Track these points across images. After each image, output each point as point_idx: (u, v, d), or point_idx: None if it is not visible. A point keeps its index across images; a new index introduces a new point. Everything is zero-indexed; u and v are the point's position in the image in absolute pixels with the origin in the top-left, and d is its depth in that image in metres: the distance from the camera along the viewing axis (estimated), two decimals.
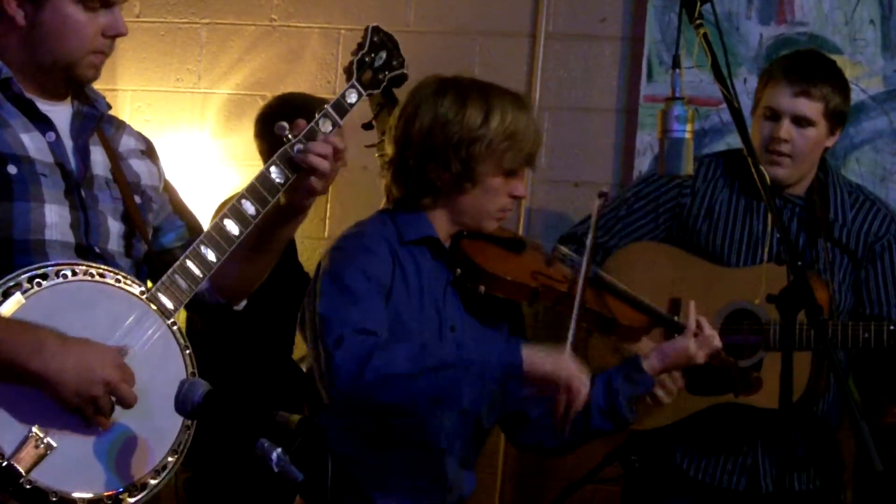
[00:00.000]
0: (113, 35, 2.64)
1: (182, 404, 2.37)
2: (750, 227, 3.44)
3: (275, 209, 2.70)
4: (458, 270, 2.84)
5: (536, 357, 2.68)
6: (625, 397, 2.88)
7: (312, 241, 4.17)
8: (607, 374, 2.92)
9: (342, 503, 2.74)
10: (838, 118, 3.41)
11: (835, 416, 3.46)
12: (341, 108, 2.74)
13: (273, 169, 2.67)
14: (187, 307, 2.87)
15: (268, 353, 3.95)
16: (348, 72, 2.79)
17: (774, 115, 3.36)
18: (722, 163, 3.54)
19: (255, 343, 3.96)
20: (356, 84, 2.79)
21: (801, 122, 3.35)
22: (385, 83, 2.84)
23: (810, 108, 3.35)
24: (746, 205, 3.46)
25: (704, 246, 3.46)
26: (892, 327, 3.21)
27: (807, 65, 3.41)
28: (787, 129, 3.35)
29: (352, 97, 2.77)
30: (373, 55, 2.82)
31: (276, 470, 2.21)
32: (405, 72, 2.89)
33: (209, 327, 3.95)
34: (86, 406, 2.44)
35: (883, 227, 3.46)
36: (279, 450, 2.21)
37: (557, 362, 2.69)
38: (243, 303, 2.91)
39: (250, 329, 3.92)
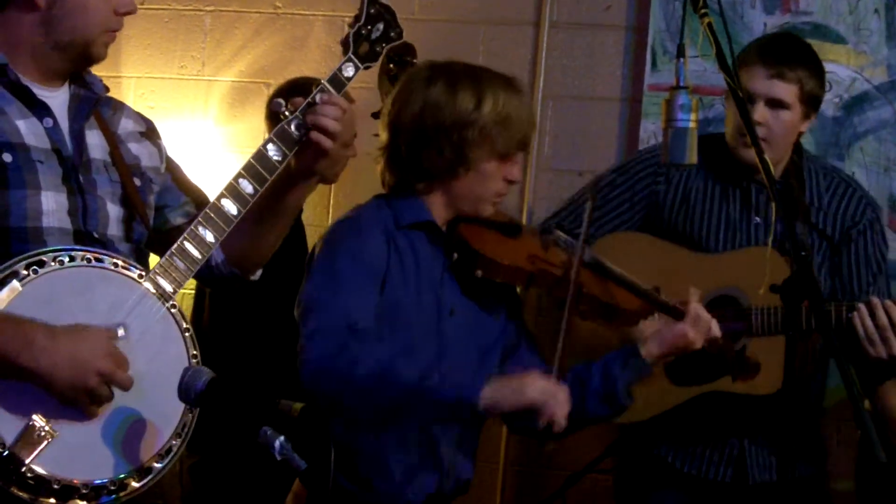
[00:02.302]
0: (125, 12, 2.66)
1: (185, 392, 2.37)
2: (727, 212, 3.40)
3: (284, 174, 2.68)
4: (455, 255, 2.85)
5: (500, 393, 2.67)
6: (623, 383, 2.89)
7: (316, 228, 4.17)
8: (604, 359, 2.93)
9: (342, 489, 2.76)
10: (813, 102, 3.37)
11: (807, 400, 3.42)
12: (338, 82, 2.71)
13: (270, 146, 2.66)
14: (203, 282, 2.87)
15: (274, 341, 3.94)
16: (345, 45, 2.74)
17: (749, 99, 3.29)
18: None
19: (261, 332, 3.96)
20: (353, 57, 2.73)
21: (775, 104, 3.30)
22: (383, 54, 2.79)
23: (785, 90, 3.30)
24: (722, 190, 3.42)
25: (682, 233, 3.42)
26: (849, 314, 3.16)
27: (781, 48, 3.37)
28: (761, 112, 3.29)
29: (349, 71, 2.73)
30: (369, 27, 2.76)
31: (278, 458, 2.22)
32: (408, 55, 2.86)
33: (216, 318, 3.96)
34: (82, 397, 2.44)
35: (859, 212, 3.42)
36: (282, 438, 2.22)
37: (523, 390, 2.68)
38: (258, 272, 2.88)
39: (257, 318, 3.92)
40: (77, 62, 2.67)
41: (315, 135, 2.63)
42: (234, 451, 3.72)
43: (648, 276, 3.13)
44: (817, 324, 3.02)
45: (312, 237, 4.25)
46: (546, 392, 2.68)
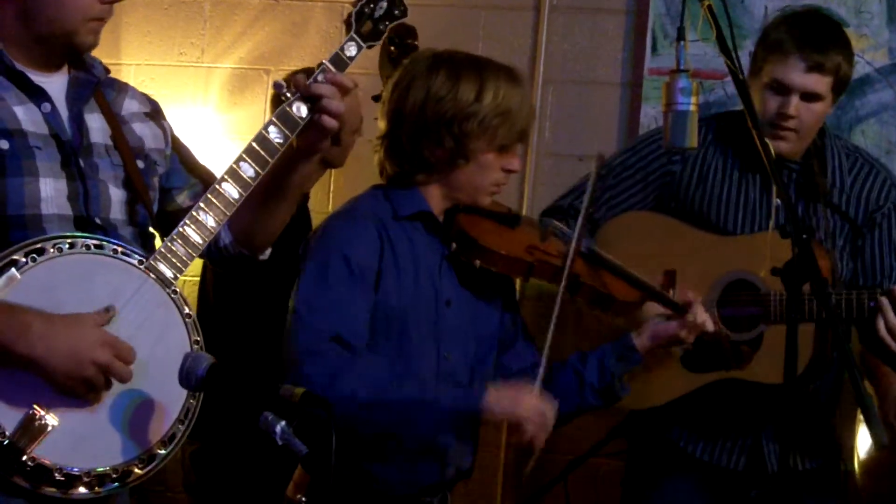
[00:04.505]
0: (111, 0, 2.60)
1: (186, 378, 2.37)
2: (746, 194, 3.35)
3: (289, 153, 2.66)
4: (454, 244, 2.84)
5: (497, 403, 2.72)
6: (618, 376, 2.91)
7: (317, 214, 4.17)
8: (600, 352, 2.93)
9: (342, 477, 2.75)
10: (843, 87, 3.31)
11: (825, 393, 3.40)
12: (340, 61, 2.67)
13: (272, 129, 2.64)
14: (213, 263, 2.86)
15: (277, 327, 3.94)
16: (347, 24, 2.71)
17: (783, 90, 3.23)
18: (713, 128, 3.42)
19: (264, 317, 3.95)
20: (355, 36, 2.70)
21: (810, 97, 3.23)
22: (387, 33, 2.75)
23: (821, 82, 3.23)
24: (741, 171, 3.37)
25: (698, 214, 3.37)
26: (871, 303, 3.12)
27: (820, 35, 3.26)
28: (796, 105, 3.22)
29: (351, 50, 2.69)
30: (372, 5, 2.72)
31: (279, 443, 2.21)
32: (409, 37, 2.83)
33: (220, 305, 3.96)
34: (78, 386, 2.43)
35: (883, 195, 3.36)
36: (283, 423, 2.22)
37: (516, 407, 2.73)
38: (267, 252, 2.86)
39: (260, 304, 3.92)
40: (64, 52, 2.63)
41: (319, 117, 2.61)
42: (236, 438, 3.72)
43: (663, 258, 3.11)
44: (819, 306, 3.00)
45: (314, 223, 4.25)
46: (535, 412, 2.73)
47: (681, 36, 2.81)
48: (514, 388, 2.76)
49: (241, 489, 3.86)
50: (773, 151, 2.78)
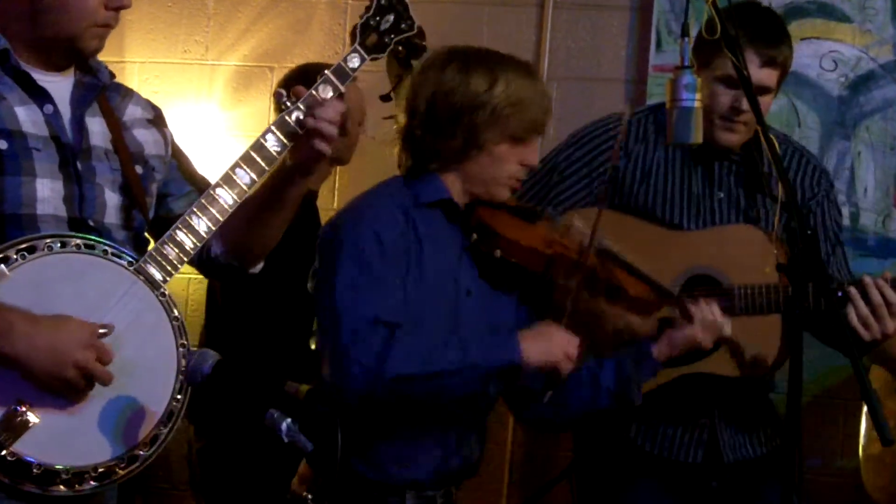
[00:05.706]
0: (116, 7, 2.61)
1: (192, 374, 2.37)
2: (689, 187, 3.33)
3: (281, 170, 2.67)
4: (475, 235, 2.85)
5: (531, 347, 2.72)
6: (635, 384, 2.92)
7: (323, 212, 4.17)
8: (617, 359, 2.94)
9: (351, 470, 2.75)
10: (784, 78, 3.31)
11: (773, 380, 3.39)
12: (342, 73, 2.69)
13: (269, 137, 2.64)
14: (202, 271, 2.86)
15: (285, 326, 3.94)
16: (352, 35, 2.73)
17: (736, 84, 3.16)
18: (652, 119, 3.40)
19: (273, 316, 3.95)
20: (359, 48, 2.72)
21: (762, 91, 3.18)
22: (391, 46, 2.77)
23: (772, 76, 3.23)
24: (683, 165, 3.35)
25: (644, 208, 3.34)
26: (839, 293, 3.10)
27: (770, 29, 3.26)
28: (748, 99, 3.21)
29: (354, 62, 2.71)
30: (378, 18, 2.74)
31: (285, 440, 2.22)
32: (416, 37, 2.84)
33: (229, 300, 3.96)
34: (59, 387, 2.44)
35: (815, 182, 3.36)
36: (289, 420, 2.22)
37: (550, 349, 2.74)
38: (259, 265, 2.87)
39: (270, 300, 3.92)
40: (68, 55, 2.64)
41: (312, 140, 2.62)
42: (243, 435, 3.72)
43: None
44: (826, 304, 3.00)
45: (322, 221, 4.25)
46: (565, 349, 2.74)
47: (685, 32, 2.81)
48: (541, 330, 2.76)
49: (247, 486, 3.87)
50: (778, 146, 2.78)
